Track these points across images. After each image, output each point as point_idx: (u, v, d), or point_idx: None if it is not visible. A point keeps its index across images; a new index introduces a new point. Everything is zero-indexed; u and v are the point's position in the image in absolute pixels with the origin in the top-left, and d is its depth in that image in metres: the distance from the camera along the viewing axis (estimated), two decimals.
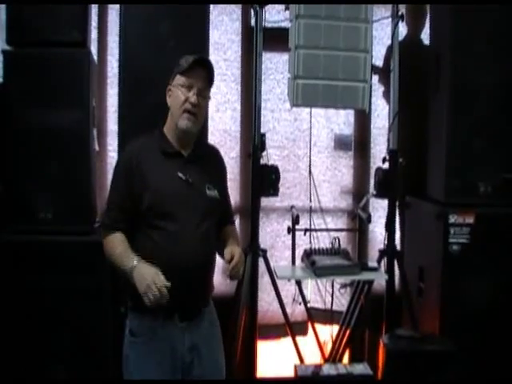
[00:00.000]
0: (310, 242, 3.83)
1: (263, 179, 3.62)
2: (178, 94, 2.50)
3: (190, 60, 2.50)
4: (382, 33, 4.20)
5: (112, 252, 2.49)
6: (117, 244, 2.48)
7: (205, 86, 2.53)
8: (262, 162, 3.67)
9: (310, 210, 3.96)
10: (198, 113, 2.51)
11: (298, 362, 3.61)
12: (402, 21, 3.80)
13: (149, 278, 2.30)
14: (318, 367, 3.35)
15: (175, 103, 2.51)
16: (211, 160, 2.69)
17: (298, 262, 3.70)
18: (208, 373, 2.57)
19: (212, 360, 2.61)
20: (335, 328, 3.99)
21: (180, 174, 2.49)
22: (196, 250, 2.47)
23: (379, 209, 4.20)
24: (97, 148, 3.56)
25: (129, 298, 2.54)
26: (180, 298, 2.43)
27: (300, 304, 3.87)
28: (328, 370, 3.33)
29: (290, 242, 3.69)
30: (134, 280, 2.34)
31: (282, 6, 3.85)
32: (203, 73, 2.52)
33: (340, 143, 4.36)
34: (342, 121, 4.36)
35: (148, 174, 2.45)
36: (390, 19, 3.85)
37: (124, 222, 2.50)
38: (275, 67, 4.28)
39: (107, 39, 4.06)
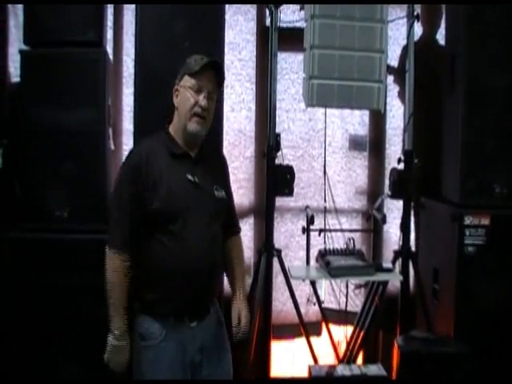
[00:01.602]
0: (325, 242, 3.82)
1: (278, 179, 3.62)
2: (187, 96, 2.46)
3: (199, 62, 2.46)
4: (398, 33, 4.18)
5: (111, 288, 2.47)
6: (119, 286, 2.46)
7: (214, 89, 2.50)
8: (277, 161, 3.67)
9: (325, 211, 3.94)
10: (207, 116, 2.49)
11: (312, 362, 3.60)
12: (418, 21, 3.79)
13: (120, 361, 2.50)
14: (332, 368, 3.35)
15: (184, 105, 2.47)
16: (216, 162, 2.67)
17: (312, 262, 3.69)
18: (217, 372, 2.58)
19: (220, 359, 2.60)
20: (349, 329, 3.97)
21: (189, 176, 2.47)
22: (205, 252, 2.46)
23: (394, 209, 4.19)
24: (112, 147, 3.58)
25: (137, 300, 2.53)
26: (189, 299, 2.46)
27: (314, 304, 3.85)
28: (342, 370, 3.32)
29: (305, 242, 3.68)
30: (110, 347, 2.49)
31: (296, 6, 3.86)
32: (213, 75, 2.49)
33: (355, 143, 4.35)
34: (357, 121, 4.35)
35: (157, 177, 2.42)
36: (405, 19, 3.85)
37: (129, 236, 2.45)
38: (290, 67, 4.27)
39: (123, 39, 4.06)
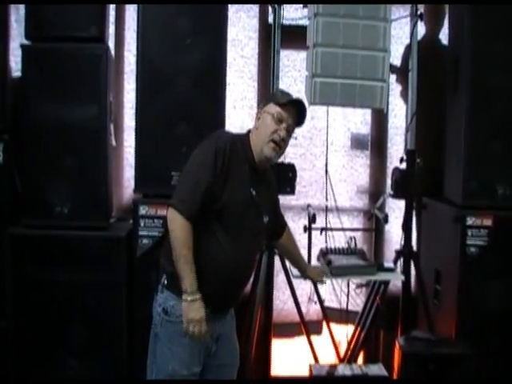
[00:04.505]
0: (326, 241, 3.81)
1: (280, 177, 3.60)
2: (269, 122, 2.58)
3: (287, 96, 2.64)
4: (401, 32, 4.17)
5: (180, 244, 2.45)
6: (188, 245, 2.45)
7: (293, 125, 2.63)
8: (279, 160, 3.65)
9: (326, 209, 3.94)
10: (283, 146, 2.62)
11: (312, 361, 3.59)
12: (421, 20, 3.78)
13: (199, 318, 2.44)
14: (333, 367, 3.34)
15: (265, 130, 2.59)
16: (270, 182, 2.81)
17: (313, 261, 3.67)
18: (227, 362, 2.70)
19: (231, 349, 2.73)
20: (350, 328, 3.97)
21: (252, 191, 2.58)
22: (251, 258, 2.68)
23: (395, 209, 4.19)
24: (113, 143, 3.56)
25: (167, 275, 2.57)
26: (222, 297, 2.59)
27: (315, 303, 3.85)
28: (343, 370, 3.32)
29: (306, 240, 3.65)
30: (185, 303, 2.44)
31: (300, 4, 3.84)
32: (295, 113, 2.61)
33: (357, 142, 4.34)
34: (359, 120, 4.33)
35: (233, 174, 2.52)
36: (408, 18, 3.84)
37: (198, 213, 2.48)
38: (292, 65, 4.24)
39: (124, 35, 4.05)
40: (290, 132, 2.62)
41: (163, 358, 2.54)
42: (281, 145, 2.59)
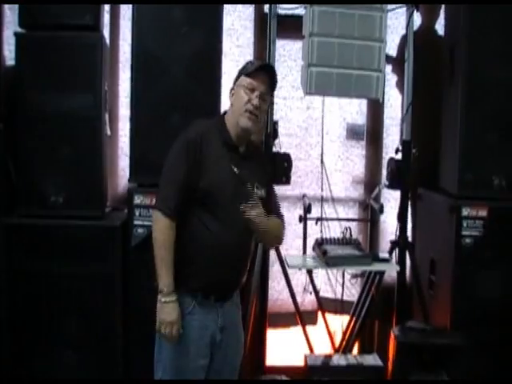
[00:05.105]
0: (321, 231, 3.81)
1: (275, 167, 3.60)
2: (242, 94, 2.56)
3: (255, 64, 2.61)
4: (397, 22, 4.14)
5: (159, 246, 2.48)
6: (166, 247, 2.47)
7: (267, 91, 2.59)
8: (274, 149, 3.65)
9: (322, 199, 3.94)
10: (259, 115, 2.58)
11: (307, 351, 3.60)
12: (417, 11, 3.78)
13: (170, 320, 2.45)
14: (328, 357, 3.36)
15: (238, 102, 2.57)
16: (260, 160, 2.76)
17: (308, 251, 3.68)
18: (232, 352, 2.69)
19: (236, 340, 2.72)
20: (345, 318, 3.98)
21: (234, 169, 2.55)
22: (241, 240, 2.60)
23: (391, 199, 4.18)
24: (108, 133, 3.54)
25: None
26: (221, 280, 2.56)
27: (310, 293, 3.86)
28: (338, 360, 3.34)
29: (301, 230, 3.68)
30: (159, 304, 2.46)
31: None
32: (267, 78, 2.59)
33: (352, 132, 4.33)
34: (355, 110, 4.33)
35: (208, 157, 2.51)
36: (404, 9, 3.82)
37: (179, 207, 2.50)
38: (288, 54, 4.23)
39: (119, 23, 4.02)
40: (264, 99, 2.58)
41: (169, 353, 2.53)
42: (256, 113, 2.55)
